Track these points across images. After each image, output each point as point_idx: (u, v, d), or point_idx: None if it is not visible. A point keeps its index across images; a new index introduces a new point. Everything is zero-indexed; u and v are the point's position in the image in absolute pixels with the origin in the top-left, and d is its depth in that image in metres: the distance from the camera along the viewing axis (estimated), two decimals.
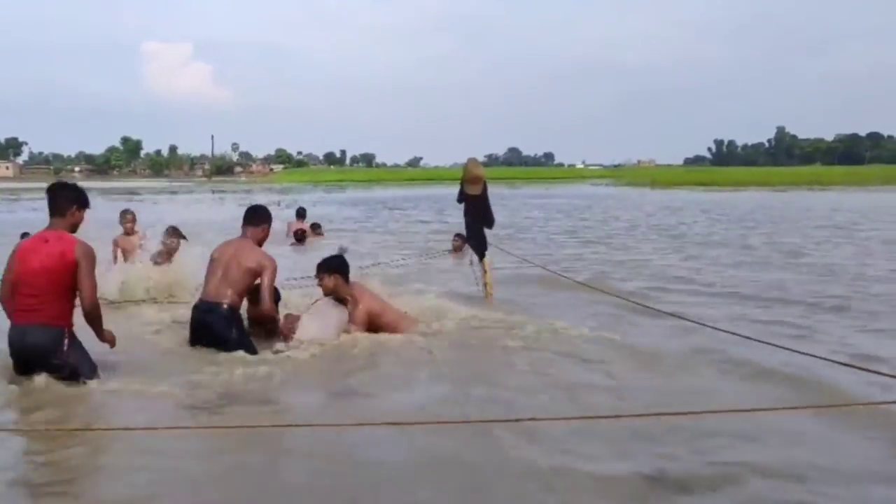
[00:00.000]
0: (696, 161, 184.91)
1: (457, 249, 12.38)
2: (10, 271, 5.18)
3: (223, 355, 5.89)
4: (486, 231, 8.62)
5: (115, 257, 9.69)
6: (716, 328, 6.27)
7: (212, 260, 6.29)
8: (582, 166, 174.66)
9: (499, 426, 4.31)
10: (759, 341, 5.60)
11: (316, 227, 16.48)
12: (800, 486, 3.69)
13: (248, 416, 4.69)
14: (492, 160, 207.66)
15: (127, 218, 9.97)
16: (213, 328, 6.03)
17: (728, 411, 4.49)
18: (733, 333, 5.98)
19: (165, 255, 9.06)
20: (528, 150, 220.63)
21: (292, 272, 9.31)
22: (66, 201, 5.29)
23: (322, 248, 14.95)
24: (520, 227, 21.33)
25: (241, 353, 5.92)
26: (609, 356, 6.10)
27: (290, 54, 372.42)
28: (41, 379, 5.06)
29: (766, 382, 5.34)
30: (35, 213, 28.97)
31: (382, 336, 6.49)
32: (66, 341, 5.13)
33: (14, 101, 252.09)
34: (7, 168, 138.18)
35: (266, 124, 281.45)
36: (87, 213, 5.45)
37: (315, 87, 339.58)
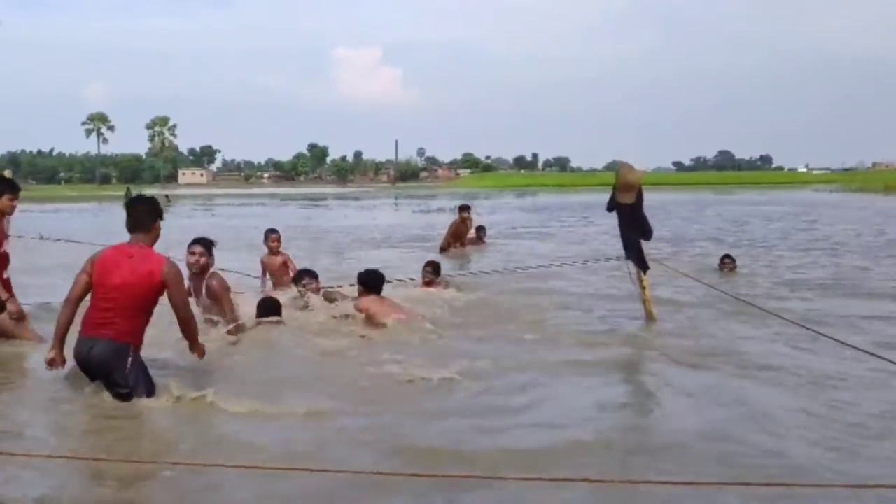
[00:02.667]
0: None
1: None
2: (86, 273, 5.45)
3: None
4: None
5: (264, 277, 10.62)
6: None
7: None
8: (805, 170, 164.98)
9: None
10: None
11: (480, 230, 17.54)
12: None
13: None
14: (699, 164, 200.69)
15: (272, 238, 10.56)
16: None
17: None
18: None
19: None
20: (741, 153, 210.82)
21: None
22: (150, 215, 5.57)
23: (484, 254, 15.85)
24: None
25: None
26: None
27: (479, 55, 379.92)
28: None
29: None
30: (215, 219, 32.04)
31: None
32: (129, 359, 5.36)
33: (210, 108, 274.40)
34: (201, 175, 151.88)
35: (453, 128, 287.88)
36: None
37: (505, 88, 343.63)
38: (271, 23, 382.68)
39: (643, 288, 8.37)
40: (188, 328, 5.66)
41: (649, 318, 8.34)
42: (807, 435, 4.86)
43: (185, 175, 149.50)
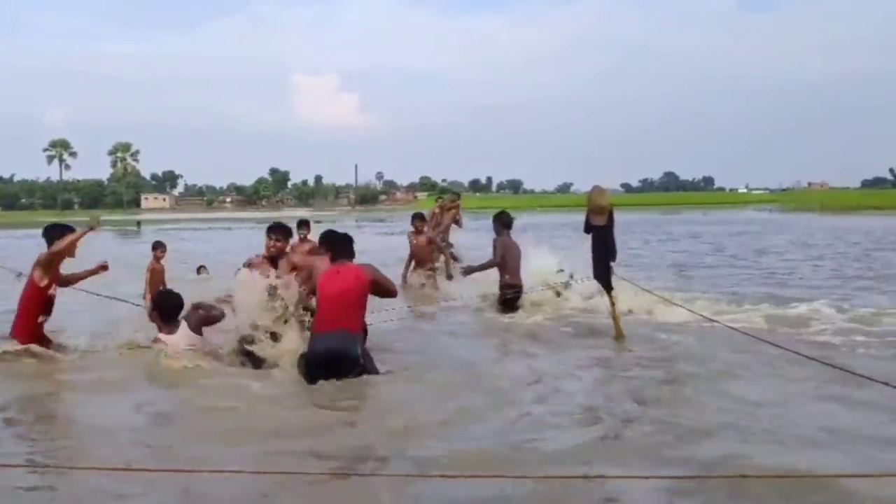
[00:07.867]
0: (875, 183, 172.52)
1: None
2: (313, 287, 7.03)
3: None
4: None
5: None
6: None
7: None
8: (745, 190, 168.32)
9: None
10: None
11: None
12: None
13: None
14: (646, 185, 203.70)
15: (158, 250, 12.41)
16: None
17: None
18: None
19: None
20: (685, 175, 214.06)
21: None
22: (351, 247, 7.14)
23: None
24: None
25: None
26: None
27: (433, 81, 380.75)
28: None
29: None
30: (184, 243, 31.53)
31: None
32: (360, 346, 6.62)
33: (172, 133, 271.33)
34: (164, 200, 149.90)
35: (411, 153, 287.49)
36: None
37: (459, 113, 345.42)
38: (231, 50, 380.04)
39: (612, 305, 8.50)
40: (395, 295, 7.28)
41: (618, 335, 8.43)
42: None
43: (148, 200, 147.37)
